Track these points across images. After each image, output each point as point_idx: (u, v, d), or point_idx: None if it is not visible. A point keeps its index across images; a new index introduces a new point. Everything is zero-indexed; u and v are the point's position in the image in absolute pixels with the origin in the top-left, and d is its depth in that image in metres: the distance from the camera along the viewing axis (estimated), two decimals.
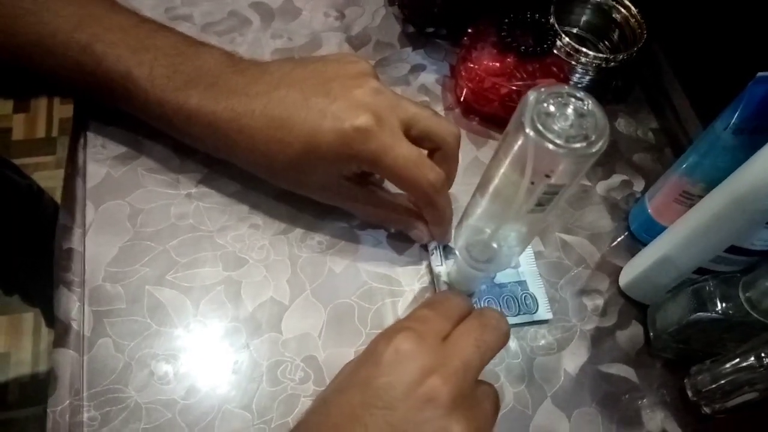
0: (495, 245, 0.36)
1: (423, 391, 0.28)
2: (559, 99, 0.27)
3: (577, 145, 0.26)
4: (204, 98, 0.38)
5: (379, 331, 0.40)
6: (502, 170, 0.30)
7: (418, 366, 0.29)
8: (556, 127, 0.26)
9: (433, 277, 0.42)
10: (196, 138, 0.40)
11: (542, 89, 0.27)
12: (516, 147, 0.28)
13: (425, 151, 0.39)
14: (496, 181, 0.31)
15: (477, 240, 0.36)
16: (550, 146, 0.26)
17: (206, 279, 0.40)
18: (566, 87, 0.28)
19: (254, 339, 0.39)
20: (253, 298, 0.40)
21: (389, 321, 0.41)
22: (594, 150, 0.26)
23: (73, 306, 0.38)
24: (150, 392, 0.36)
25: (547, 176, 0.28)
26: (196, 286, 0.40)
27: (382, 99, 0.37)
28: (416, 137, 0.38)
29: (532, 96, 0.27)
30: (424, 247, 0.44)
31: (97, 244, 0.40)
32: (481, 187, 0.33)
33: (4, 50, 0.39)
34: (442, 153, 0.39)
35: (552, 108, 0.27)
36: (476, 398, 0.30)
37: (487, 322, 0.32)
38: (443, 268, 0.42)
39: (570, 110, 0.27)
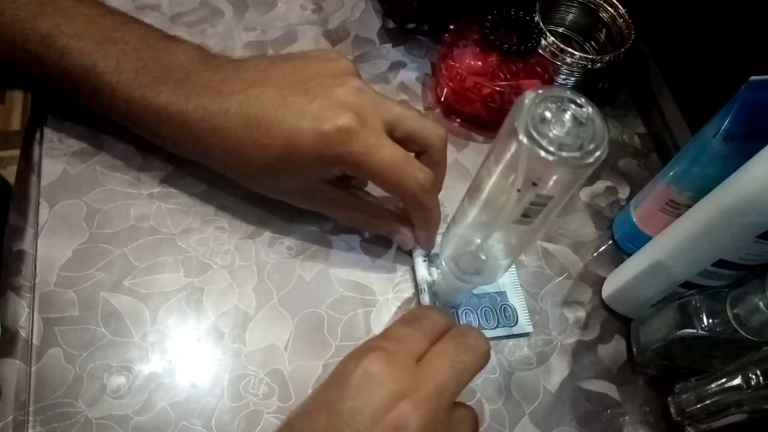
0: (483, 257, 0.34)
1: (392, 417, 0.26)
2: (558, 103, 0.25)
3: (571, 154, 0.24)
4: (174, 95, 0.35)
5: (350, 343, 0.38)
6: (492, 176, 0.28)
7: (388, 390, 0.27)
8: (550, 134, 0.24)
9: (417, 287, 0.40)
10: (166, 138, 0.38)
11: (540, 91, 0.25)
12: (506, 152, 0.26)
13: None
14: (485, 187, 0.29)
15: (465, 251, 0.34)
16: (542, 153, 0.24)
17: (166, 285, 0.38)
18: (568, 91, 0.25)
19: (216, 350, 0.36)
20: (216, 307, 0.38)
21: (360, 333, 0.39)
22: (589, 161, 0.24)
23: (21, 312, 0.36)
24: (102, 407, 0.34)
25: (534, 184, 0.26)
26: (154, 293, 0.37)
27: (364, 98, 0.35)
28: (400, 139, 0.36)
29: (527, 98, 0.25)
30: (408, 254, 0.42)
31: (49, 246, 0.38)
32: (470, 194, 0.31)
33: None
34: (427, 156, 0.37)
35: (548, 113, 0.25)
36: (451, 424, 0.28)
37: (465, 342, 0.30)
38: (428, 277, 0.40)
39: (568, 116, 0.25)
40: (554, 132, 0.24)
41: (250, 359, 0.37)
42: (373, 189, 0.39)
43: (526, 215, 0.28)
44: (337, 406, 0.27)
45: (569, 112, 0.25)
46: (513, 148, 0.25)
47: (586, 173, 0.25)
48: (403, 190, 0.36)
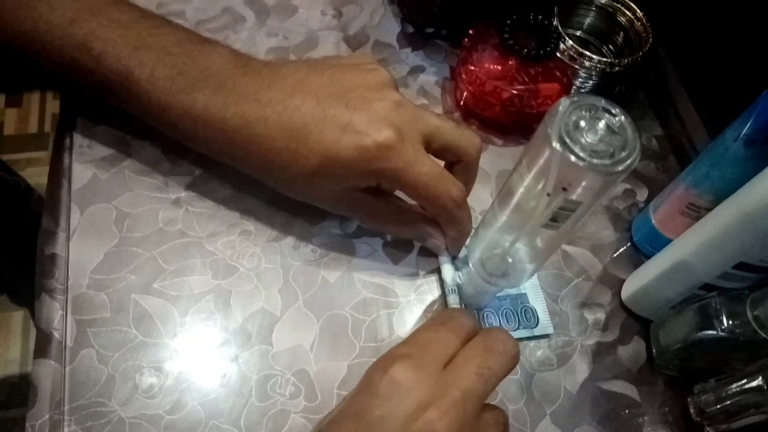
0: (510, 260, 0.34)
1: (419, 425, 0.27)
2: (592, 111, 0.26)
3: (602, 161, 0.25)
4: (211, 102, 0.36)
5: (374, 344, 0.39)
6: (523, 181, 0.28)
7: (414, 398, 0.27)
8: (582, 141, 0.25)
9: (443, 289, 0.41)
10: (203, 143, 0.38)
11: (575, 98, 0.26)
12: (539, 157, 0.26)
13: (442, 163, 0.37)
14: (516, 191, 0.29)
15: (492, 253, 0.35)
16: (573, 159, 0.24)
17: (195, 287, 0.39)
18: (603, 100, 0.26)
19: (243, 351, 0.37)
20: (243, 309, 0.39)
21: (384, 334, 0.39)
22: (619, 169, 0.25)
23: (55, 314, 0.37)
24: (134, 406, 0.35)
25: (564, 189, 0.26)
26: (183, 295, 0.38)
27: (403, 113, 0.35)
28: (437, 150, 0.36)
29: (562, 105, 0.26)
30: (433, 257, 0.42)
31: (81, 250, 0.39)
32: (500, 198, 0.32)
33: None
34: (463, 165, 0.38)
35: (582, 121, 0.25)
36: (479, 429, 0.28)
37: (492, 346, 0.30)
38: (457, 279, 0.40)
39: (601, 124, 0.25)
40: (587, 139, 0.25)
41: (276, 360, 0.37)
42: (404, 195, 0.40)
43: (555, 220, 0.28)
44: (365, 414, 0.28)
45: (603, 121, 0.26)
46: (545, 153, 0.26)
47: (616, 181, 0.26)
48: (435, 205, 0.36)
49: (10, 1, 0.36)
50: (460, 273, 0.41)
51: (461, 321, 0.32)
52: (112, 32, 0.36)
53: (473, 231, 0.36)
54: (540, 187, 0.27)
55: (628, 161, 0.25)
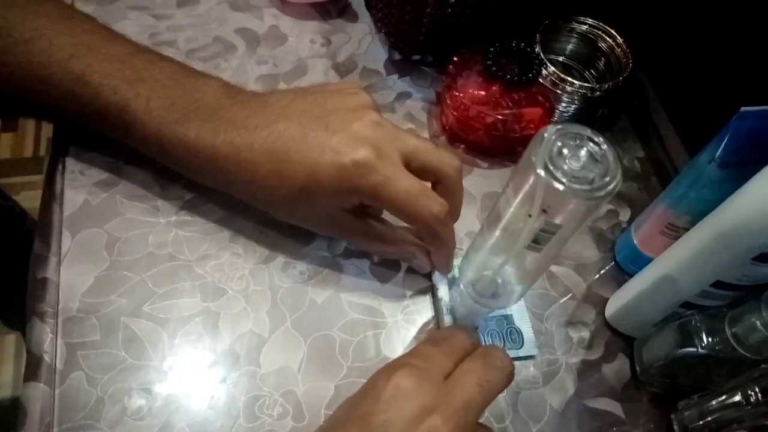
0: (499, 281, 0.35)
1: (422, 430, 0.28)
2: (577, 140, 0.27)
3: (581, 186, 0.26)
4: (203, 131, 0.37)
5: (362, 364, 0.39)
6: (510, 204, 0.29)
7: (418, 404, 0.28)
8: (565, 167, 0.26)
9: (437, 309, 0.42)
10: (195, 171, 0.39)
11: (561, 126, 0.27)
12: (524, 180, 0.27)
13: (428, 183, 0.38)
14: (503, 214, 0.30)
15: (482, 275, 0.36)
16: (554, 183, 0.26)
17: (184, 310, 0.39)
18: (588, 129, 0.27)
19: (232, 373, 0.38)
20: (232, 330, 0.39)
21: (371, 354, 0.40)
22: (599, 195, 0.26)
23: (45, 338, 0.37)
24: (123, 428, 0.35)
25: (544, 211, 0.27)
26: (173, 318, 0.39)
27: (381, 132, 0.36)
28: (416, 170, 0.37)
29: (548, 131, 0.27)
30: (428, 278, 0.43)
31: (72, 274, 0.39)
32: (489, 221, 0.33)
33: None
34: (443, 186, 0.38)
35: (566, 149, 0.26)
36: None
37: (491, 361, 0.31)
38: (447, 300, 0.41)
39: (584, 152, 0.27)
40: (569, 165, 0.26)
41: (264, 381, 0.38)
42: (389, 216, 0.40)
43: (537, 242, 0.29)
44: (369, 419, 0.29)
45: (585, 149, 0.27)
46: (530, 176, 0.27)
47: (596, 207, 0.27)
48: (417, 220, 0.37)
49: (6, 38, 0.37)
50: (453, 293, 0.42)
51: (461, 338, 0.34)
52: (108, 66, 0.38)
53: (464, 253, 0.37)
54: (525, 210, 0.28)
55: (608, 188, 0.26)
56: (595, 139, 0.27)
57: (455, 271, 0.42)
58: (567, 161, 0.26)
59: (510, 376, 0.32)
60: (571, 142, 0.27)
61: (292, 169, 0.36)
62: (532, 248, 0.30)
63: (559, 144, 0.26)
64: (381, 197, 0.36)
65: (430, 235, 0.38)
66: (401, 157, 0.36)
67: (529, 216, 0.28)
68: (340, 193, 0.36)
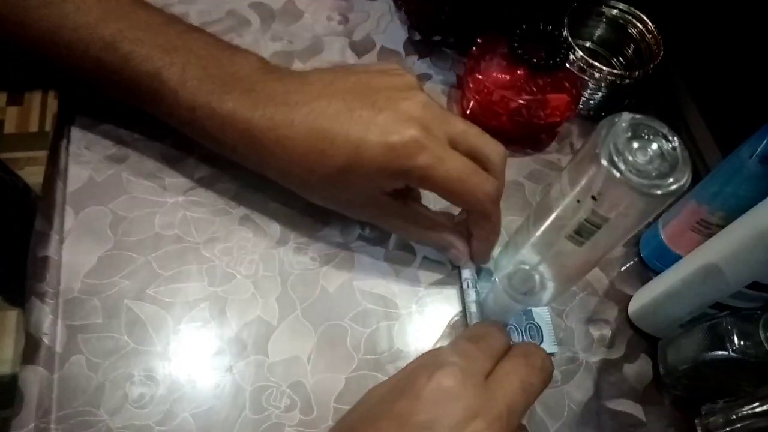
0: (537, 277, 0.34)
1: None
2: (650, 134, 0.25)
3: (640, 180, 0.24)
4: (239, 104, 0.35)
5: (373, 356, 0.38)
6: (564, 198, 0.28)
7: (462, 406, 0.27)
8: (630, 157, 0.24)
9: (464, 303, 0.40)
10: (228, 146, 0.37)
11: (636, 116, 0.26)
12: (582, 169, 0.26)
13: None
14: (554, 207, 0.29)
15: (520, 268, 0.34)
16: (612, 169, 0.24)
17: (190, 294, 0.38)
18: (666, 126, 0.26)
19: (238, 361, 0.36)
20: (239, 317, 0.38)
21: (383, 347, 0.38)
22: (657, 192, 0.24)
23: (45, 319, 0.36)
24: (123, 416, 0.34)
25: (594, 198, 0.26)
26: (178, 302, 0.37)
27: (430, 113, 0.35)
28: (462, 154, 0.36)
29: (619, 118, 0.25)
30: (443, 270, 0.41)
31: (74, 253, 0.38)
32: (536, 213, 0.31)
33: (16, 43, 0.36)
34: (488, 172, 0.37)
35: (635, 141, 0.25)
36: None
37: (533, 362, 0.30)
38: (474, 296, 0.39)
39: (654, 147, 0.25)
40: (634, 156, 0.25)
41: (272, 371, 0.36)
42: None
43: (579, 233, 0.27)
44: (408, 417, 0.27)
45: (657, 144, 0.25)
46: (589, 162, 0.25)
47: (652, 208, 0.25)
48: (471, 200, 0.36)
49: (35, 0, 0.35)
50: (481, 288, 0.40)
51: (498, 336, 0.32)
52: (140, 33, 0.36)
53: (504, 243, 0.35)
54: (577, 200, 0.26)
55: (670, 188, 0.24)
56: (670, 137, 0.26)
57: (490, 263, 0.41)
58: (634, 152, 0.25)
59: (550, 377, 0.31)
60: (644, 134, 0.25)
61: (336, 147, 0.34)
62: (574, 240, 0.28)
63: (630, 133, 0.25)
64: (431, 178, 0.34)
65: (482, 215, 0.37)
66: (448, 139, 0.35)
67: (578, 202, 0.26)
68: (384, 174, 0.35)
